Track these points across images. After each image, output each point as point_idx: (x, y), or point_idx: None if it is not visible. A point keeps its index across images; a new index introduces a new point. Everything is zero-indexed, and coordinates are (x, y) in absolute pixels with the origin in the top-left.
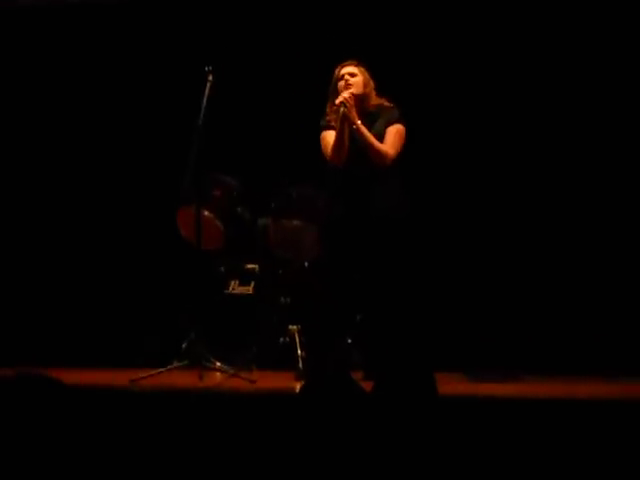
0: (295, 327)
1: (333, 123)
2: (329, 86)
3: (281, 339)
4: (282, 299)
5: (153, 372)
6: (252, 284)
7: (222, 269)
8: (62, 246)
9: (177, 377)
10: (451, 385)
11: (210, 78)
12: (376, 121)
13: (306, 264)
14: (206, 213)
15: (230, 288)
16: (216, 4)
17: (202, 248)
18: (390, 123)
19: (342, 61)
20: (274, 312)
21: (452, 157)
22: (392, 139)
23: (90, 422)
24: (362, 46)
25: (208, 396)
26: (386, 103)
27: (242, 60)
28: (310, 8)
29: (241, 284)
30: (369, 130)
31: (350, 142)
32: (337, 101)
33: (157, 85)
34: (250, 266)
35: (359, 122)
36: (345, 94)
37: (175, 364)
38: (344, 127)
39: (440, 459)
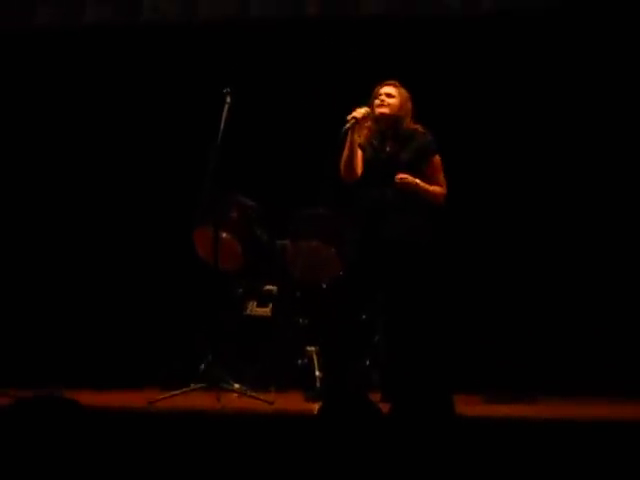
0: (313, 348)
1: (359, 141)
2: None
3: (299, 360)
4: (300, 320)
5: (171, 394)
6: (270, 305)
7: (240, 290)
8: (80, 267)
9: (195, 399)
10: (468, 406)
11: (228, 100)
12: (407, 145)
13: (324, 285)
14: (224, 234)
15: (248, 309)
16: (235, 27)
17: (220, 269)
18: (427, 153)
19: (381, 81)
20: (292, 333)
21: (467, 179)
22: (440, 177)
23: (108, 444)
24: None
25: (226, 418)
26: (420, 129)
27: (260, 82)
28: (327, 31)
29: (259, 305)
30: (399, 155)
31: (371, 169)
32: (349, 116)
33: (176, 107)
34: (268, 287)
35: (417, 181)
36: (359, 111)
37: (193, 386)
38: (352, 142)
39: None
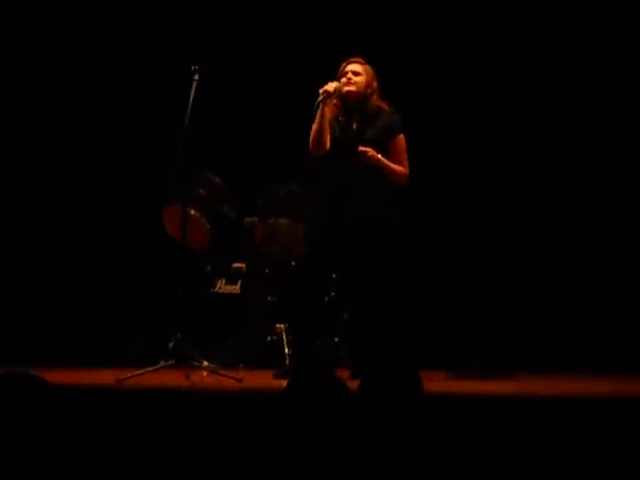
0: (282, 326)
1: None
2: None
3: (268, 338)
4: (269, 298)
5: (140, 371)
6: (239, 283)
7: (209, 268)
8: (48, 245)
9: (164, 376)
10: (435, 383)
11: (196, 77)
12: (373, 123)
13: (293, 263)
14: (192, 212)
15: (217, 287)
16: (203, 2)
17: (188, 247)
18: (392, 132)
19: (347, 58)
20: (261, 311)
21: (444, 154)
22: (402, 156)
23: (75, 421)
24: (351, 45)
25: (195, 395)
26: (385, 107)
27: (228, 59)
28: (298, 5)
29: (228, 283)
30: (365, 132)
31: (337, 146)
32: (321, 90)
33: (144, 84)
34: (237, 265)
35: (379, 156)
36: (330, 85)
37: (162, 363)
38: (322, 117)
39: (426, 457)
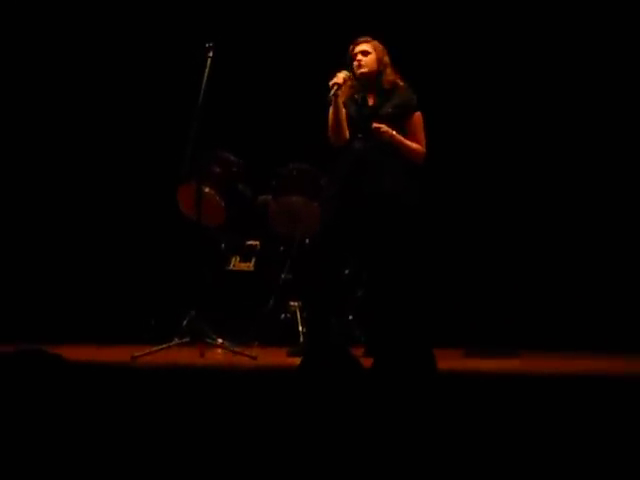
0: (296, 304)
1: (343, 100)
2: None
3: (282, 315)
4: (283, 275)
5: (154, 349)
6: (253, 260)
7: (223, 245)
8: (65, 223)
9: (178, 354)
10: (449, 361)
11: (210, 54)
12: (389, 99)
13: (307, 241)
14: (207, 189)
15: (231, 265)
16: None
17: (203, 224)
18: (408, 109)
19: (354, 38)
20: (275, 289)
21: (452, 144)
22: (420, 134)
23: (90, 398)
24: (365, 25)
25: (209, 372)
26: (400, 81)
27: (244, 37)
28: None
29: (242, 261)
30: (381, 108)
31: (354, 124)
32: (330, 82)
33: (158, 62)
34: (251, 243)
35: (394, 132)
36: (339, 76)
37: (176, 341)
38: (338, 110)
39: (439, 435)
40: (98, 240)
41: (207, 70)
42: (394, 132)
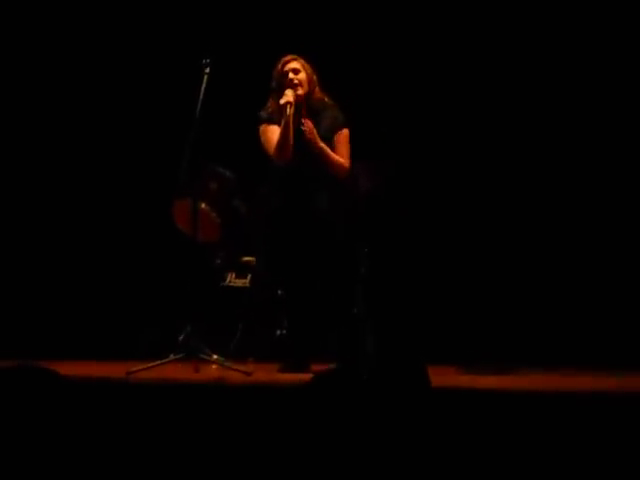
0: None
1: (276, 118)
2: (271, 79)
3: (277, 331)
4: (279, 292)
5: (150, 364)
6: (249, 277)
7: (219, 262)
8: (58, 239)
9: (173, 369)
10: (444, 377)
11: (207, 71)
12: (320, 118)
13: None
14: (202, 206)
15: (227, 281)
16: None
17: (199, 240)
18: (337, 127)
19: (279, 58)
20: (270, 305)
21: (442, 147)
22: (345, 149)
23: (86, 414)
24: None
25: (204, 388)
26: (328, 100)
27: (239, 53)
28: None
29: (238, 277)
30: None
31: (294, 142)
32: (282, 101)
33: (154, 77)
34: (247, 259)
35: (321, 144)
36: (289, 94)
37: (172, 356)
38: (289, 128)
39: (434, 451)
40: (93, 256)
41: (204, 85)
42: (322, 144)
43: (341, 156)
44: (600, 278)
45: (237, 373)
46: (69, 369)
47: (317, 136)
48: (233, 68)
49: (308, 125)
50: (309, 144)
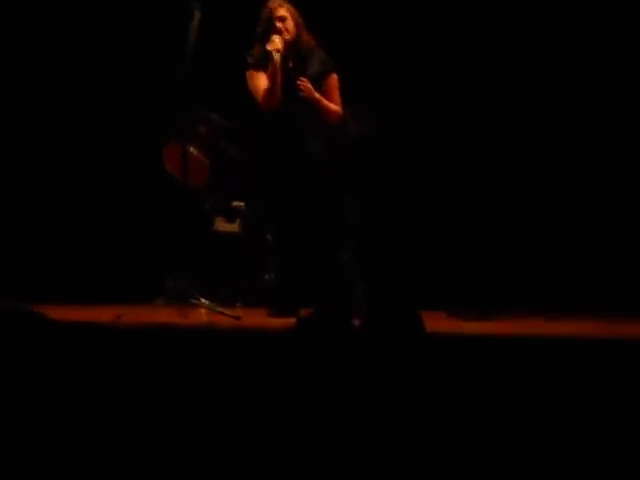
0: None
1: (262, 63)
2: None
3: (266, 276)
4: (268, 237)
5: (138, 309)
6: (238, 222)
7: (208, 206)
8: (49, 180)
9: (162, 314)
10: (433, 322)
11: (197, 15)
12: (309, 62)
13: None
14: (192, 149)
15: (216, 226)
16: None
17: (188, 185)
18: (326, 72)
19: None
20: (259, 249)
21: (433, 91)
22: (336, 95)
23: (74, 357)
24: None
25: (193, 332)
26: (314, 44)
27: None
28: None
29: (227, 221)
30: (304, 72)
31: (283, 88)
32: (269, 47)
33: (143, 20)
34: (236, 204)
35: (317, 95)
36: (277, 41)
37: (160, 300)
38: (277, 76)
39: (426, 397)
40: (81, 200)
41: (193, 30)
42: (316, 94)
43: (334, 102)
44: (583, 221)
45: (226, 317)
46: (57, 313)
47: (314, 92)
48: (221, 10)
49: (305, 86)
50: (306, 99)
